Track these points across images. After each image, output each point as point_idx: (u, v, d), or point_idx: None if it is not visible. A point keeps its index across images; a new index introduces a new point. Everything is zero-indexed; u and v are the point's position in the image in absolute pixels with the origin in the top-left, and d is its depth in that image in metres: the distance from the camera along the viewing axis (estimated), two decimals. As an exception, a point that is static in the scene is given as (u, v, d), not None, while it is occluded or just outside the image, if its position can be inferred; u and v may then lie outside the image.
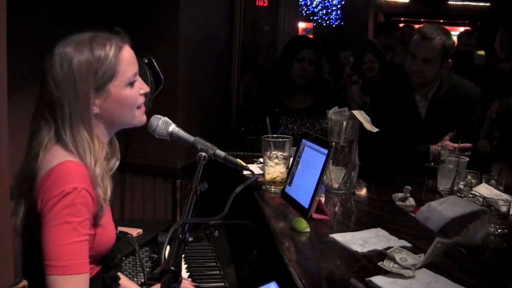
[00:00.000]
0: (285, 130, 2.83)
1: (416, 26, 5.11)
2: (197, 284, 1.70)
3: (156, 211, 2.92)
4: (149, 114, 1.46)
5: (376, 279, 1.20)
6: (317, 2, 8.28)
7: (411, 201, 1.92)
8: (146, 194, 2.92)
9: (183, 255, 1.54)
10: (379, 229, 1.58)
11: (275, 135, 2.05)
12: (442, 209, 1.70)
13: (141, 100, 1.40)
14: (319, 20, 8.40)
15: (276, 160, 1.95)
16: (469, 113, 2.54)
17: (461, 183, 2.13)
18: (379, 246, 1.42)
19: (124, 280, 1.58)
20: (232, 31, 3.42)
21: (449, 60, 2.47)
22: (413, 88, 2.56)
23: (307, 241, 1.54)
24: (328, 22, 8.46)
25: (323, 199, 1.87)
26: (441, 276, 1.24)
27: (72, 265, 1.19)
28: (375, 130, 1.95)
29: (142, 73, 2.14)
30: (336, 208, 1.87)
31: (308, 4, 8.22)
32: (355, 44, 6.04)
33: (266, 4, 5.88)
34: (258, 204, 1.85)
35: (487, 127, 3.15)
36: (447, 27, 2.69)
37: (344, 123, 1.98)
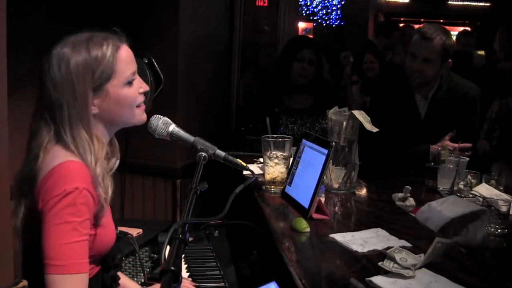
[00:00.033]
0: (285, 130, 2.83)
1: (416, 26, 5.13)
2: (197, 284, 1.70)
3: (156, 211, 2.92)
4: (149, 114, 1.46)
5: (376, 279, 1.20)
6: (317, 2, 8.27)
7: (411, 201, 1.92)
8: (146, 194, 2.92)
9: (183, 255, 1.54)
10: (379, 229, 1.58)
11: (275, 135, 2.05)
12: (442, 209, 1.70)
13: (141, 99, 1.39)
14: (319, 20, 8.40)
15: (276, 160, 1.95)
16: (469, 113, 2.54)
17: (461, 183, 2.12)
18: (379, 246, 1.42)
19: (124, 279, 1.58)
20: (232, 31, 3.41)
21: (449, 60, 2.48)
22: (413, 88, 2.56)
23: (307, 241, 1.54)
24: (328, 22, 8.46)
25: (323, 199, 1.87)
26: (441, 276, 1.24)
27: (71, 264, 1.19)
28: (375, 130, 1.95)
29: (142, 73, 2.14)
30: (336, 208, 1.87)
31: (308, 4, 8.22)
32: (355, 44, 6.04)
33: (266, 4, 5.88)
34: (258, 204, 1.85)
35: (487, 127, 3.16)
36: (447, 27, 2.69)
37: (344, 123, 1.98)
